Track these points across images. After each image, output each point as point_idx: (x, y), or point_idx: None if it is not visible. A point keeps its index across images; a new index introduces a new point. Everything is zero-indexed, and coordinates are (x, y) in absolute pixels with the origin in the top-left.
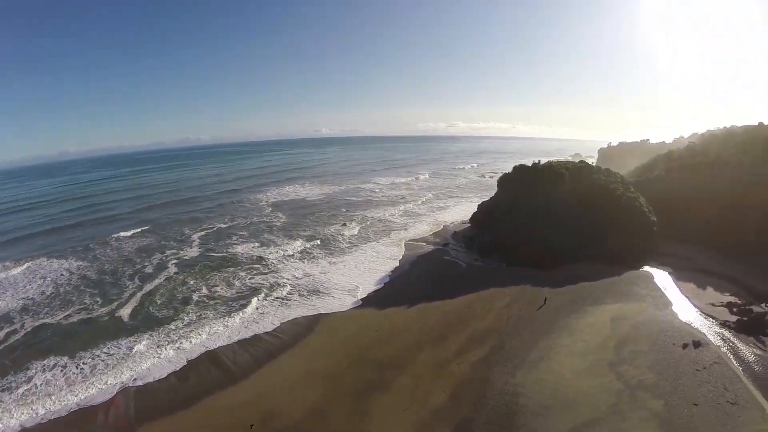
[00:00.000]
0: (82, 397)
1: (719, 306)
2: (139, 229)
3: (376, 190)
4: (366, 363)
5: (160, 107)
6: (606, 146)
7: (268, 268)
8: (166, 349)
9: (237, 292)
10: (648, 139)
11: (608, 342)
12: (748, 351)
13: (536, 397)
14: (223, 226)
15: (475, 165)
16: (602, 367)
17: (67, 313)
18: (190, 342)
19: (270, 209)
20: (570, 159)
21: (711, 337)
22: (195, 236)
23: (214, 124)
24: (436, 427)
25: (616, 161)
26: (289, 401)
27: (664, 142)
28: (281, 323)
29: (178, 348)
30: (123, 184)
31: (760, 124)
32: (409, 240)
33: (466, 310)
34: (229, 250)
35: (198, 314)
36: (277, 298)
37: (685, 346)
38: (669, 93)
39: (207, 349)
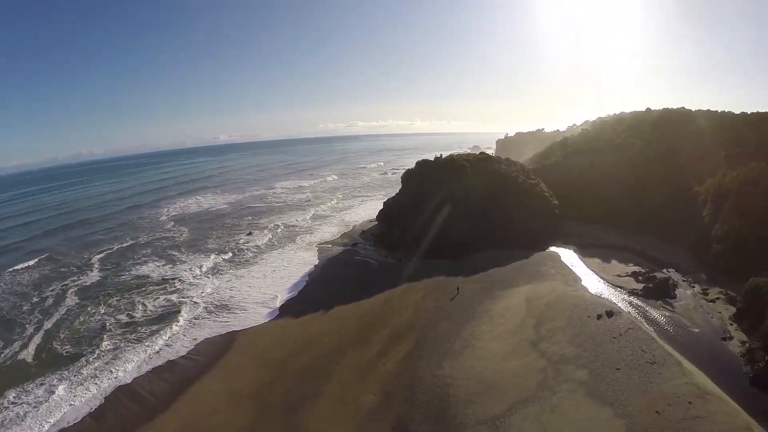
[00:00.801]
0: None
1: (625, 276)
2: (35, 259)
3: (282, 196)
4: (290, 375)
5: (49, 122)
6: (503, 137)
7: (175, 288)
8: (77, 388)
9: (145, 317)
10: (543, 128)
11: (527, 322)
12: (657, 313)
13: (466, 385)
14: (124, 246)
15: (382, 163)
16: (525, 347)
17: None
18: (103, 377)
19: (172, 224)
20: (470, 151)
21: (622, 306)
22: (95, 260)
23: (107, 136)
24: (373, 430)
25: (514, 151)
26: (217, 427)
27: (558, 130)
28: (195, 345)
29: (90, 386)
30: (12, 210)
31: (648, 109)
32: (319, 243)
33: (383, 308)
34: (133, 272)
35: (107, 346)
36: (188, 318)
37: (599, 317)
38: (561, 85)
39: (121, 384)
